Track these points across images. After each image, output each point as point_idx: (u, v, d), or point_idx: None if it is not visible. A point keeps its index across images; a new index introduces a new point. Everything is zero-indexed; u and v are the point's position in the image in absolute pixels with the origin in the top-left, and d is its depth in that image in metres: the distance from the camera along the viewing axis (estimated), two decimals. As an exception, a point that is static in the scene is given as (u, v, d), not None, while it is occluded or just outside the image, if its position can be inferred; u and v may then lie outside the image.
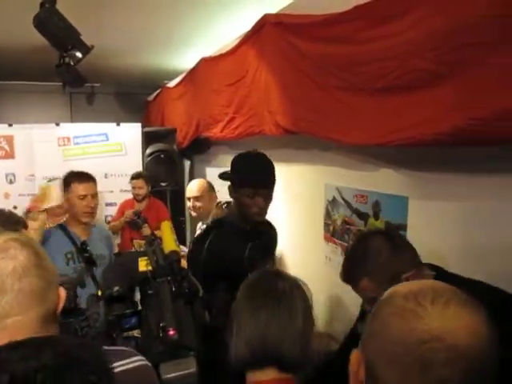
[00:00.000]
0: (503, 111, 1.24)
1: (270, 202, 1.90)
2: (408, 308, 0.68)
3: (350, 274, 1.39)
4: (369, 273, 1.32)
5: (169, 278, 1.43)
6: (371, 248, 1.35)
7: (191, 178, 5.01)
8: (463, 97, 1.38)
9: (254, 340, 1.11)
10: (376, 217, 2.20)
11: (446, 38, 1.44)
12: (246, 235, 1.96)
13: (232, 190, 1.93)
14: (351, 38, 1.84)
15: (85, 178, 2.53)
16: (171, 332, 1.19)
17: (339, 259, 2.50)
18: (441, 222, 1.89)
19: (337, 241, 2.50)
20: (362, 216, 2.28)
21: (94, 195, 2.54)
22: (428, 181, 1.92)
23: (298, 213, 2.91)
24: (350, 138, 1.88)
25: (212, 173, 4.84)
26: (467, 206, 1.75)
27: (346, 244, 2.42)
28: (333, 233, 2.53)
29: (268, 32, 2.53)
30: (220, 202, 3.05)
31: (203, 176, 4.99)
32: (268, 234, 2.10)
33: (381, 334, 0.70)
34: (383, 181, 2.16)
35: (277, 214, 2.66)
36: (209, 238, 1.97)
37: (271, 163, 1.91)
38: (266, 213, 1.91)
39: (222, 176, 1.98)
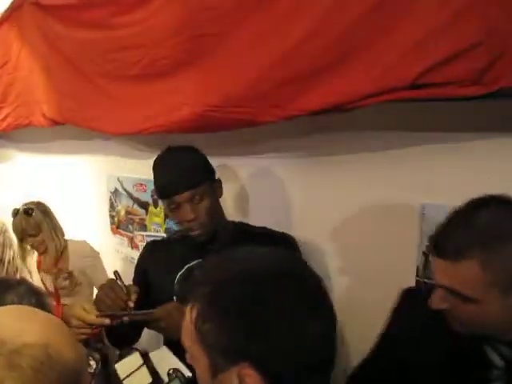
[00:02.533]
0: (230, 97, 1.33)
1: (206, 206, 1.32)
2: None
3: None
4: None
5: None
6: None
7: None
8: (200, 84, 1.44)
9: None
10: (155, 205, 2.21)
11: (183, 27, 1.47)
12: (195, 248, 1.37)
13: (164, 210, 1.46)
14: (105, 23, 1.77)
15: None
16: None
17: (127, 251, 2.46)
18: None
19: (123, 232, 2.44)
20: (143, 205, 2.27)
21: None
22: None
23: (83, 207, 2.76)
24: (109, 127, 1.82)
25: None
26: (236, 187, 1.86)
27: (131, 235, 2.39)
28: (118, 224, 2.47)
29: (27, 12, 2.28)
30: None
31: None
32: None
33: None
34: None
35: (58, 210, 2.48)
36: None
37: (189, 155, 1.35)
38: (206, 224, 1.32)
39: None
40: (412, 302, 1.09)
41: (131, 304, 1.21)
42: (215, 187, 1.38)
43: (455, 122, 1.26)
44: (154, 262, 1.48)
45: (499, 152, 1.22)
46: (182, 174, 1.31)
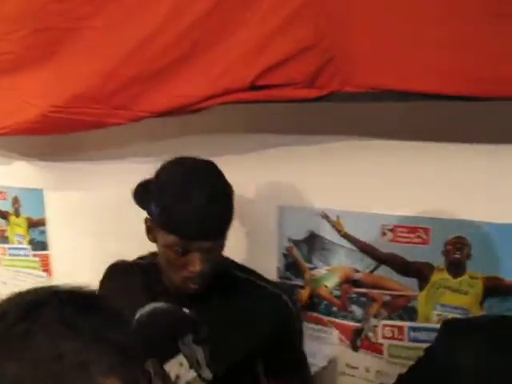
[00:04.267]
0: (75, 97, 1.26)
1: (216, 259, 1.00)
2: None
3: None
4: None
5: None
6: None
7: None
8: (46, 83, 1.35)
9: None
10: (17, 214, 2.04)
11: (28, 20, 1.37)
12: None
13: (149, 228, 1.02)
14: None
15: None
16: None
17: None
18: (80, 214, 1.85)
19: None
20: (3, 215, 2.08)
21: None
22: (62, 171, 1.86)
23: None
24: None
25: None
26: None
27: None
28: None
29: None
30: None
31: None
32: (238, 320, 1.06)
33: None
34: (19, 174, 2.01)
35: None
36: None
37: (226, 188, 1.00)
38: (208, 279, 1.00)
39: (137, 196, 1.02)
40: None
41: None
42: None
43: (312, 124, 1.29)
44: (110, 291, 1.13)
45: (356, 154, 1.26)
46: (217, 218, 0.96)
